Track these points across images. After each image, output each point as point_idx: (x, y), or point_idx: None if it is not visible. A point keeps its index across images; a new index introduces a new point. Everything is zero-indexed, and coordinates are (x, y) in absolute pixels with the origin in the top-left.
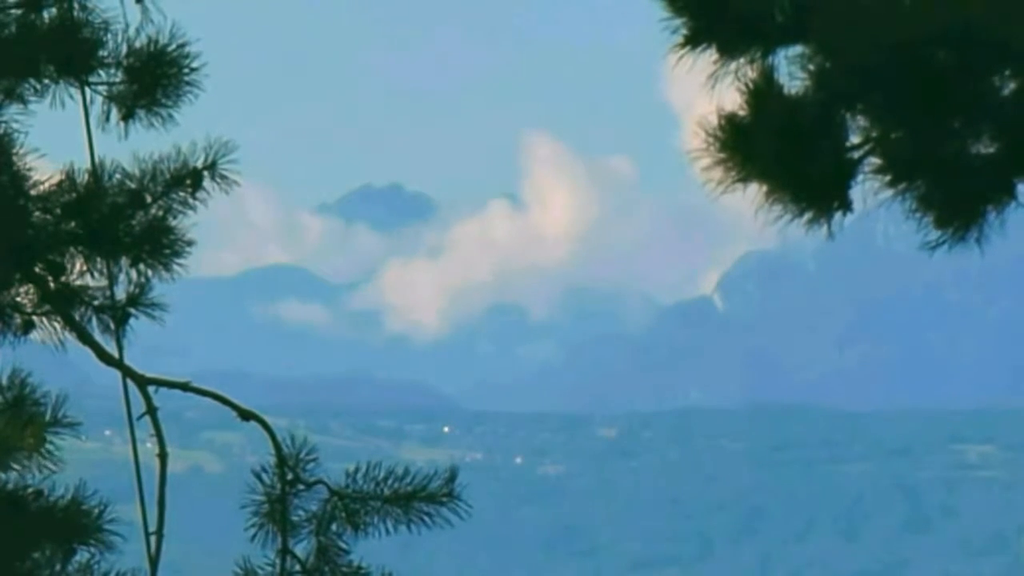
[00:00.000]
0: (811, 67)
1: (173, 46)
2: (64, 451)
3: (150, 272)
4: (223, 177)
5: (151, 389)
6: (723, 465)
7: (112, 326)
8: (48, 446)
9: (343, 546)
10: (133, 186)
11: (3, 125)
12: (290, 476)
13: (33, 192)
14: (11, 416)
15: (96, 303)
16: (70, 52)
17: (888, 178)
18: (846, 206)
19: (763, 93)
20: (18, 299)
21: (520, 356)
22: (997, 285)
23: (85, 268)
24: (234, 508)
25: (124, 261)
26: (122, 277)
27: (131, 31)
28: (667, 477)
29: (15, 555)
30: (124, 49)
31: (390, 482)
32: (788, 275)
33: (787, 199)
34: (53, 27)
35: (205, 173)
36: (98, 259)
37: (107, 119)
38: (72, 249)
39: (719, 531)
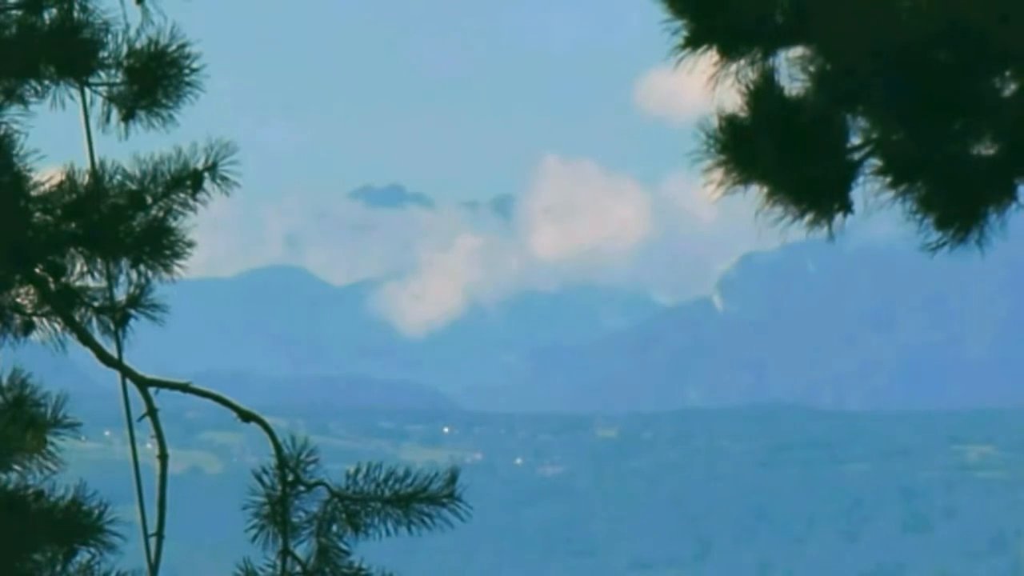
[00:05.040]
0: (812, 69)
1: (173, 47)
2: (64, 452)
3: (150, 273)
4: (223, 178)
5: (151, 390)
6: (723, 466)
7: (112, 327)
8: (48, 447)
9: (344, 547)
10: (133, 187)
11: (4, 126)
12: (290, 477)
13: (34, 193)
14: (12, 417)
15: (96, 304)
16: (70, 53)
17: (889, 179)
18: (847, 207)
19: (764, 94)
20: (18, 300)
21: (520, 357)
22: (997, 286)
23: (85, 269)
24: (235, 509)
25: (124, 262)
26: (122, 278)
27: (131, 32)
28: (667, 478)
29: (16, 555)
30: (124, 50)
31: (390, 483)
32: (788, 276)
33: (788, 201)
34: (53, 28)
35: (205, 174)
36: (98, 260)
37: (107, 120)
38: (72, 250)
39: (719, 532)
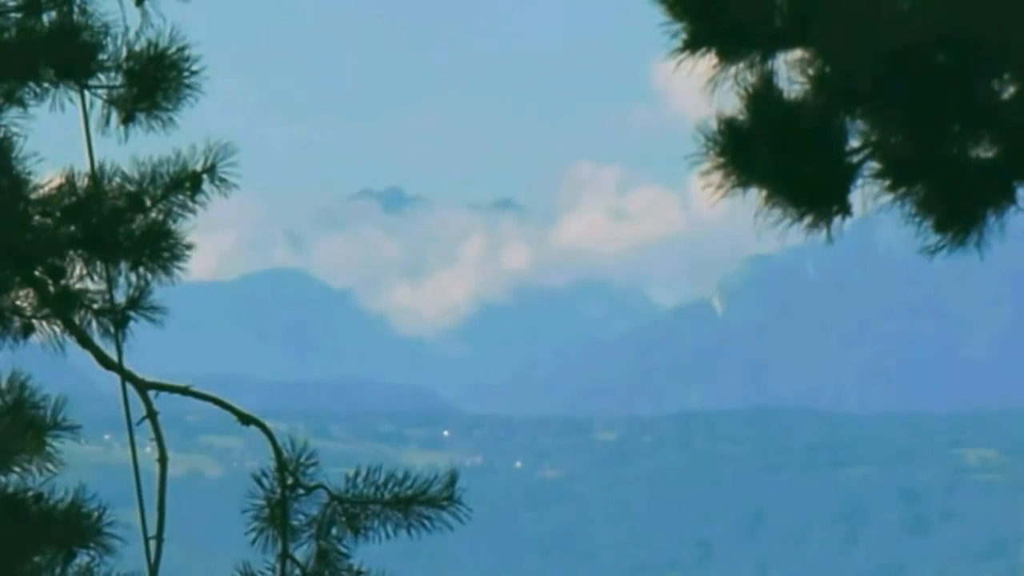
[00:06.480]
0: (810, 71)
1: (173, 49)
2: (63, 455)
3: (150, 275)
4: (222, 180)
5: (151, 393)
6: (723, 469)
7: (112, 329)
8: (48, 449)
9: (343, 550)
10: (133, 189)
11: (3, 129)
12: (290, 480)
13: (33, 196)
14: (11, 419)
15: (96, 306)
16: (70, 56)
17: (888, 182)
18: (845, 210)
19: (762, 97)
20: (18, 302)
21: (520, 360)
22: (997, 290)
23: (85, 271)
24: (234, 512)
25: (124, 265)
26: (122, 280)
27: (131, 34)
28: (667, 481)
29: (15, 558)
30: (124, 52)
31: (390, 486)
32: (788, 279)
33: (787, 203)
34: (53, 31)
35: (204, 176)
36: (98, 262)
37: (107, 122)
38: (72, 252)
39: (719, 535)
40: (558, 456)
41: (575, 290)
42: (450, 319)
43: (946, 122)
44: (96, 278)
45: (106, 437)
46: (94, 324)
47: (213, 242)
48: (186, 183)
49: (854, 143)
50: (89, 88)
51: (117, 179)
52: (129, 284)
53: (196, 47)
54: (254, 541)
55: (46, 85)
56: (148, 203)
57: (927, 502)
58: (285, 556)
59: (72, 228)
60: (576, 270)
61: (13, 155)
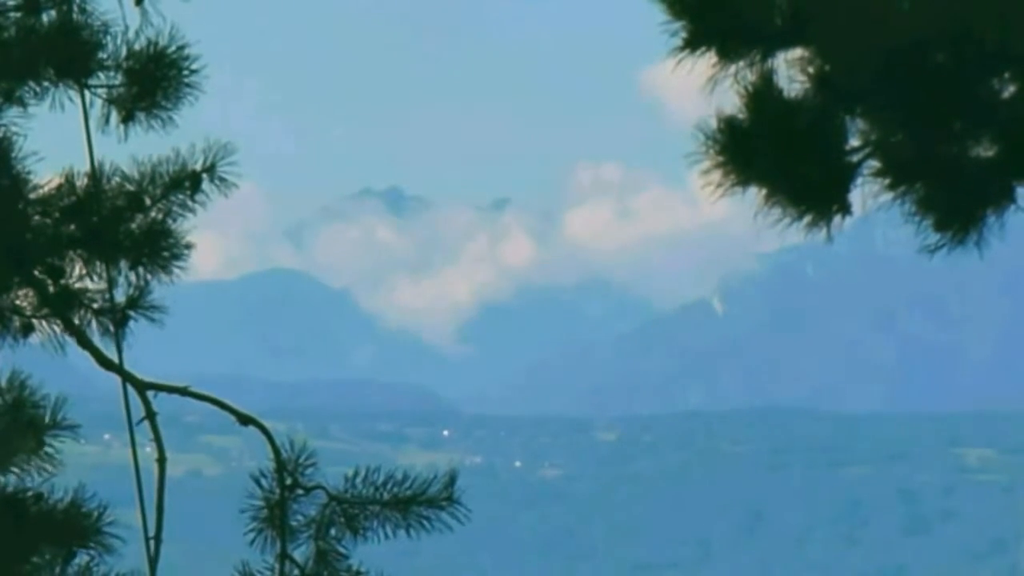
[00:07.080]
0: (810, 70)
1: (172, 48)
2: (63, 454)
3: (149, 275)
4: (222, 180)
5: (150, 393)
6: (723, 469)
7: (112, 329)
8: (47, 449)
9: (342, 551)
10: (132, 189)
11: (3, 128)
12: (289, 481)
13: (33, 195)
14: (11, 419)
15: (96, 306)
16: (69, 55)
17: (887, 181)
18: (845, 209)
19: (762, 96)
20: (18, 302)
21: (520, 360)
22: (997, 289)
23: (84, 271)
24: (233, 512)
25: (123, 264)
26: (121, 280)
27: (130, 33)
28: (667, 481)
29: (15, 558)
30: (124, 51)
31: (389, 486)
32: (787, 279)
33: (786, 202)
34: (52, 30)
35: (204, 176)
36: (97, 262)
37: (107, 122)
38: (71, 252)
39: (719, 535)
40: (558, 456)
41: (575, 290)
42: (450, 319)
43: (946, 121)
44: (96, 278)
45: (106, 437)
46: (94, 324)
47: (213, 242)
48: (186, 183)
49: (854, 142)
50: (89, 87)
51: (117, 178)
52: (129, 284)
53: (195, 46)
54: (253, 541)
55: (46, 84)
56: (148, 203)
57: (927, 502)
58: (284, 556)
59: (72, 228)
60: (576, 270)
61: (13, 155)
